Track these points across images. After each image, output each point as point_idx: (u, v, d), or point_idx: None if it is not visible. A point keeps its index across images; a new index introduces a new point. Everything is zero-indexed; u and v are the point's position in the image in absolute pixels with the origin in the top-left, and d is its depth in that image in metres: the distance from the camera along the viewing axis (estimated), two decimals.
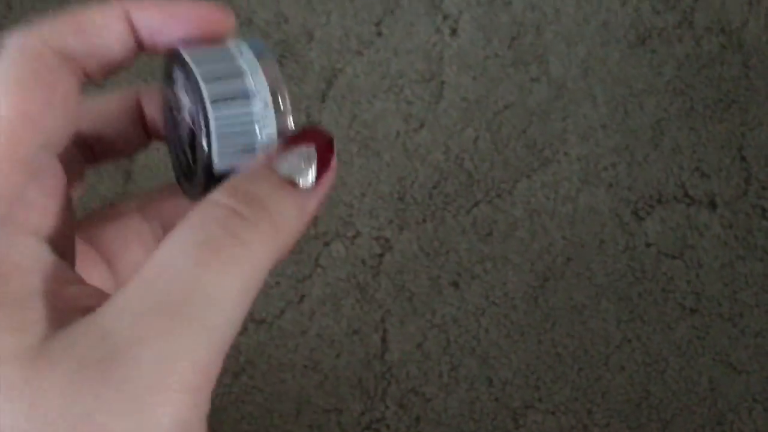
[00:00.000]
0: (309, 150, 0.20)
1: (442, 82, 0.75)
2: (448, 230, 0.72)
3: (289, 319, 0.70)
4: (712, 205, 0.69)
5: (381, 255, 0.73)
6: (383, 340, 0.69)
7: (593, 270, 0.68)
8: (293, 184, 0.19)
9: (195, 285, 0.17)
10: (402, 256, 0.72)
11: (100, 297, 0.18)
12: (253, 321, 0.70)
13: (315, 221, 0.75)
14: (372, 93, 0.77)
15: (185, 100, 0.21)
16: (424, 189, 0.73)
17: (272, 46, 0.81)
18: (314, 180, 0.20)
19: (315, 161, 0.20)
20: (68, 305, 0.17)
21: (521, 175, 0.71)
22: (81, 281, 0.19)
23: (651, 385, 0.66)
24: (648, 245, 0.68)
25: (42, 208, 0.19)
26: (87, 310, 0.17)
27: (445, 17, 0.76)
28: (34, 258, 0.18)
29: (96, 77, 0.20)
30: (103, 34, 0.20)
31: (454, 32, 0.76)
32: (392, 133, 0.76)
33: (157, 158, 0.78)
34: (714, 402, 0.66)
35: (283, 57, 0.80)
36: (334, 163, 0.20)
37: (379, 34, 0.78)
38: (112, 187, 0.78)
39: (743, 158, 0.69)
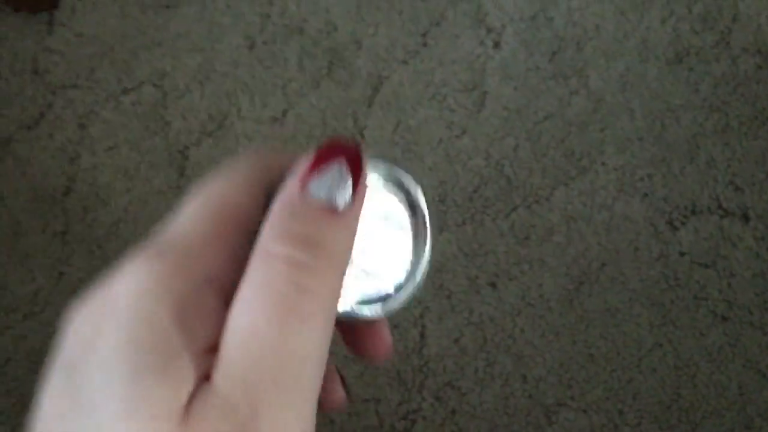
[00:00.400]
0: (341, 167, 0.20)
1: (485, 92, 0.79)
2: (487, 233, 0.75)
3: None
4: (745, 218, 0.71)
5: None
6: (422, 335, 0.72)
7: (627, 276, 0.71)
8: (333, 209, 0.20)
9: (286, 351, 0.18)
10: (442, 256, 0.75)
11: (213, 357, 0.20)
12: None
13: None
14: (416, 100, 0.81)
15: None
16: (465, 193, 0.77)
17: (322, 54, 0.85)
18: (351, 195, 0.20)
19: (349, 176, 0.20)
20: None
21: (559, 183, 0.75)
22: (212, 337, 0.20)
23: (682, 388, 0.69)
24: (682, 254, 0.71)
25: (228, 268, 0.20)
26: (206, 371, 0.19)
27: (489, 30, 0.80)
28: (214, 313, 0.20)
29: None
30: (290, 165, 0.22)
31: (497, 45, 0.79)
32: (435, 139, 0.79)
33: (209, 155, 0.82)
34: (743, 407, 0.68)
35: (332, 64, 0.84)
36: (366, 171, 0.20)
37: (425, 44, 0.82)
38: (166, 182, 0.82)
39: None
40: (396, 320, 0.74)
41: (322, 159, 0.20)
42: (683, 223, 0.74)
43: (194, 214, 0.21)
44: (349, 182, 0.20)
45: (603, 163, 0.76)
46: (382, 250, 0.22)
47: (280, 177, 0.21)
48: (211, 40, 0.87)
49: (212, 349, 0.19)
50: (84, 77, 0.88)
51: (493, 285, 0.75)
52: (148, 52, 0.88)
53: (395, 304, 0.22)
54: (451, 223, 0.77)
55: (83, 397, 0.18)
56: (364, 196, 0.20)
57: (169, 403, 0.18)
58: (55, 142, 0.86)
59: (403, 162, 0.81)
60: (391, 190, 0.23)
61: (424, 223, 0.22)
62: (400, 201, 0.23)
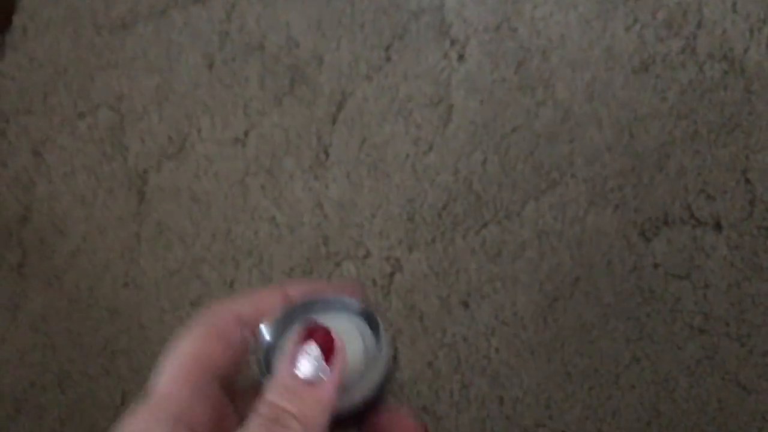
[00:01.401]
0: (313, 348, 0.27)
1: (451, 106, 0.78)
2: (458, 251, 0.74)
3: None
4: (718, 227, 0.71)
5: (391, 275, 0.75)
6: (394, 358, 0.70)
7: (601, 290, 0.71)
8: (312, 384, 0.27)
9: None
10: (412, 276, 0.74)
11: None
12: None
13: (326, 241, 0.77)
14: (381, 116, 0.80)
15: (361, 344, 0.29)
16: (434, 210, 0.76)
17: (283, 71, 0.84)
18: (327, 369, 0.27)
19: (322, 355, 0.27)
20: None
21: (529, 197, 0.74)
22: None
23: (661, 404, 0.68)
24: (655, 266, 0.71)
25: (203, 414, 0.28)
26: None
27: (453, 43, 0.80)
28: None
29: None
30: (268, 309, 0.30)
31: (461, 57, 0.79)
32: (401, 155, 0.78)
33: (169, 179, 0.81)
34: (724, 422, 0.67)
35: (294, 81, 0.83)
36: (338, 347, 0.27)
37: (389, 59, 0.81)
38: (125, 207, 0.80)
39: (748, 181, 0.72)
40: None
41: (300, 341, 0.27)
42: (656, 234, 0.73)
43: (169, 366, 0.28)
44: (325, 356, 0.27)
45: (573, 175, 0.76)
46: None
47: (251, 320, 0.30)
48: (169, 60, 0.86)
49: None
50: (38, 102, 0.86)
51: (465, 304, 0.74)
52: (104, 74, 0.86)
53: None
54: (420, 241, 0.76)
55: None
56: (339, 370, 0.27)
57: None
58: (9, 170, 0.84)
59: (370, 180, 0.80)
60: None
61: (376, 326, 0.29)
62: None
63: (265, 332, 0.29)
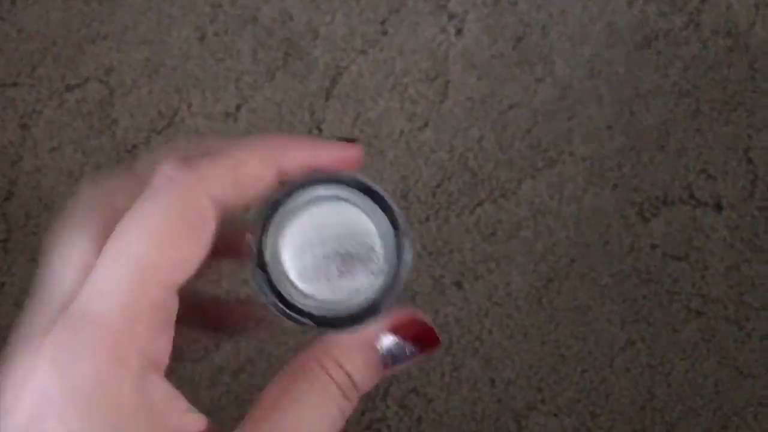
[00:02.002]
0: (413, 350, 0.24)
1: (447, 82, 0.77)
2: (452, 230, 0.74)
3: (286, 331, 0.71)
4: (718, 207, 0.70)
5: None
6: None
7: (598, 271, 0.70)
8: (387, 364, 0.24)
9: None
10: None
11: (204, 424, 0.22)
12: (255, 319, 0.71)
13: None
14: (376, 92, 0.79)
15: (365, 226, 0.24)
16: (428, 188, 0.75)
17: (277, 44, 0.83)
18: (404, 362, 0.24)
19: (415, 357, 0.24)
20: None
21: (526, 175, 0.73)
22: (189, 408, 0.22)
23: (656, 387, 0.68)
24: (653, 247, 0.70)
25: (165, 345, 0.22)
26: None
27: (451, 17, 0.79)
28: (166, 396, 0.22)
29: (229, 215, 0.23)
30: (257, 185, 0.23)
31: (459, 32, 0.78)
32: (396, 131, 0.78)
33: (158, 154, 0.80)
34: (719, 405, 0.67)
35: (287, 55, 0.82)
36: (438, 347, 0.25)
37: (384, 33, 0.80)
38: None
39: (749, 160, 0.71)
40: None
41: (403, 331, 0.24)
42: (654, 215, 0.72)
43: (110, 278, 0.21)
44: (411, 359, 0.24)
45: (571, 154, 0.75)
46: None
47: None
48: (160, 32, 0.85)
49: None
50: (25, 75, 0.85)
51: (458, 284, 0.73)
52: (94, 47, 0.85)
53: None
54: (413, 219, 0.76)
55: None
56: (411, 364, 0.24)
57: None
58: None
59: (363, 157, 0.79)
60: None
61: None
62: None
63: (257, 230, 0.23)
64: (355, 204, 0.24)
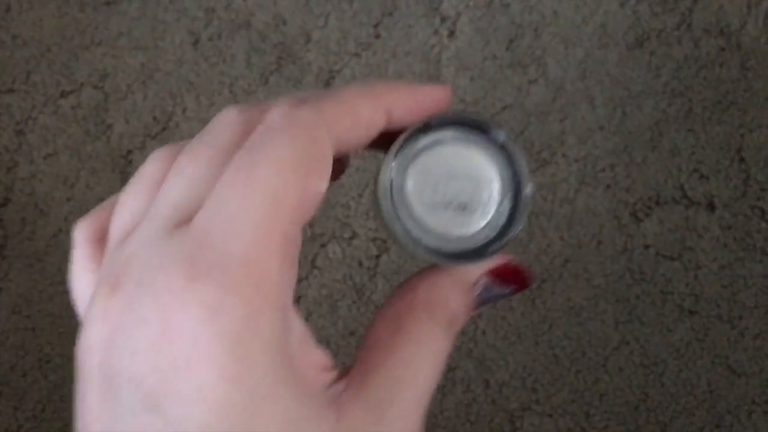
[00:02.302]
0: (508, 291, 0.25)
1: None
2: None
3: None
4: (711, 207, 0.71)
5: (377, 256, 0.75)
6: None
7: (591, 271, 0.70)
8: (478, 306, 0.25)
9: (426, 396, 0.23)
10: (398, 257, 0.74)
11: (327, 361, 0.23)
12: None
13: (312, 222, 0.77)
14: None
15: (487, 169, 0.25)
16: None
17: (270, 49, 0.83)
18: (496, 301, 0.25)
19: (506, 296, 0.25)
20: (318, 376, 0.22)
21: None
22: (317, 343, 0.23)
23: (649, 387, 0.68)
24: (646, 247, 0.71)
25: (293, 280, 0.22)
26: (327, 375, 0.22)
27: (444, 19, 0.79)
28: (301, 335, 0.22)
29: (340, 155, 0.23)
30: (370, 128, 0.23)
31: (452, 34, 0.78)
32: None
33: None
34: (713, 405, 0.67)
35: (281, 59, 0.83)
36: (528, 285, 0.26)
37: (377, 36, 0.80)
38: (108, 189, 0.80)
39: (742, 160, 0.72)
40: (352, 326, 0.73)
41: (502, 274, 0.25)
42: (647, 215, 0.73)
43: (245, 210, 0.20)
44: (503, 298, 0.25)
45: (564, 155, 0.75)
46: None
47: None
48: (154, 38, 0.86)
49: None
50: (20, 81, 0.86)
51: None
52: (88, 53, 0.86)
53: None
54: None
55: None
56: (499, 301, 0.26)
57: None
58: None
59: (357, 160, 0.79)
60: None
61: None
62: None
63: (391, 169, 0.24)
64: (482, 149, 0.25)
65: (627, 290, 0.71)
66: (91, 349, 0.20)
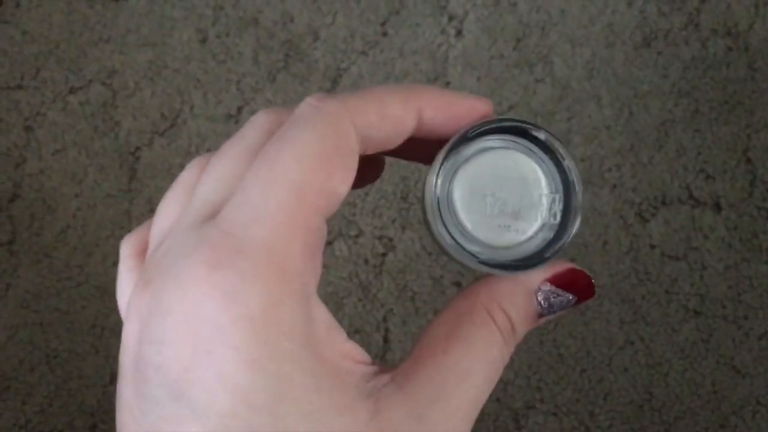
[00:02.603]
0: (571, 301, 0.24)
1: (447, 83, 0.78)
2: None
3: None
4: (717, 207, 0.71)
5: (384, 254, 0.75)
6: (385, 339, 0.71)
7: (596, 271, 0.71)
8: (540, 315, 0.24)
9: (478, 411, 0.23)
10: (404, 255, 0.74)
11: (362, 355, 0.22)
12: None
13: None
14: None
15: (536, 175, 0.25)
16: None
17: (278, 46, 0.84)
18: (559, 311, 0.24)
19: (569, 307, 0.24)
20: (351, 368, 0.22)
21: None
22: (347, 337, 0.23)
23: (654, 387, 0.68)
24: (652, 247, 0.71)
25: (317, 270, 0.22)
26: (363, 368, 0.22)
27: (451, 18, 0.79)
28: (327, 325, 0.22)
29: (368, 153, 0.23)
30: (398, 126, 0.23)
31: (459, 33, 0.79)
32: None
33: (161, 156, 0.81)
34: (717, 405, 0.68)
35: (288, 56, 0.83)
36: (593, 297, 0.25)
37: (385, 34, 0.81)
38: (116, 185, 0.81)
39: (748, 160, 0.72)
40: (357, 324, 0.74)
41: (564, 280, 0.24)
42: (653, 215, 0.73)
43: (270, 199, 0.20)
44: (566, 308, 0.24)
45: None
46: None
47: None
48: (162, 35, 0.86)
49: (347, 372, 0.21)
50: (29, 77, 0.87)
51: (458, 285, 0.74)
52: (96, 49, 0.87)
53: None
54: (414, 221, 0.77)
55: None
56: (562, 314, 0.24)
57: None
58: None
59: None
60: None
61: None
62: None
63: (435, 178, 0.24)
64: (526, 153, 0.25)
65: (632, 290, 0.72)
66: (126, 346, 0.21)
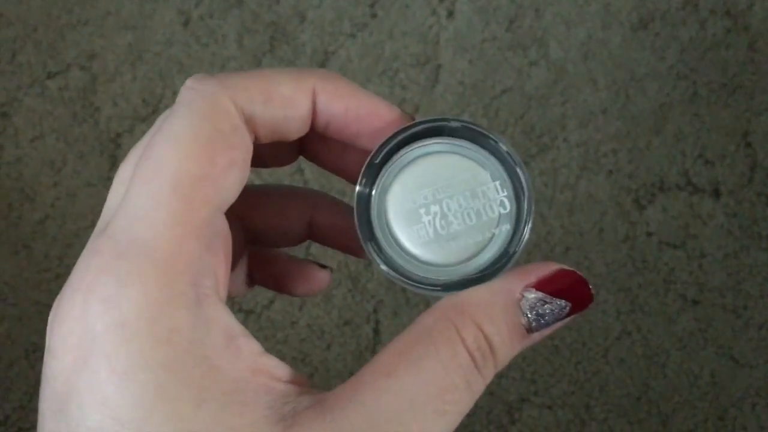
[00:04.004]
0: (564, 309, 0.20)
1: (438, 66, 0.77)
2: None
3: (279, 310, 0.72)
4: (716, 194, 0.70)
5: None
6: (375, 331, 0.70)
7: (592, 260, 0.70)
8: (528, 330, 0.20)
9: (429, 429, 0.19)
10: None
11: (283, 371, 0.20)
12: (242, 311, 0.71)
13: None
14: (366, 77, 0.79)
15: (479, 177, 0.22)
16: None
17: (263, 28, 0.82)
18: (551, 324, 0.20)
19: (564, 317, 0.20)
20: (265, 384, 0.19)
21: None
22: (260, 350, 0.20)
23: (651, 378, 0.68)
24: (649, 234, 0.70)
25: (220, 272, 0.20)
26: (289, 387, 0.19)
27: None
28: (228, 333, 0.19)
29: (263, 141, 0.22)
30: (289, 107, 0.21)
31: (450, 14, 0.77)
32: None
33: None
34: (716, 396, 0.67)
35: (274, 39, 0.82)
36: (586, 309, 0.21)
37: (374, 15, 0.79)
38: (96, 173, 0.80)
39: (748, 145, 0.71)
40: (347, 316, 0.73)
41: (555, 283, 0.20)
42: (650, 201, 0.72)
43: (148, 198, 0.19)
44: (558, 320, 0.20)
45: (565, 140, 0.74)
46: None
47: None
48: (143, 17, 0.84)
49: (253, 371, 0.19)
50: (5, 62, 0.85)
51: None
52: (75, 32, 0.85)
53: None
54: None
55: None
56: (558, 329, 0.21)
57: None
58: None
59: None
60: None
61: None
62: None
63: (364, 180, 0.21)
64: (464, 154, 0.22)
65: (629, 279, 0.71)
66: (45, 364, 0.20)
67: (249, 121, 0.21)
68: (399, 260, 0.21)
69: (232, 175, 0.20)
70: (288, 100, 0.21)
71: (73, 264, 0.21)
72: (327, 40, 0.81)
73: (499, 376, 0.71)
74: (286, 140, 0.22)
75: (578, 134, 0.74)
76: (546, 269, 0.21)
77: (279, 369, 0.20)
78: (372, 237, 0.21)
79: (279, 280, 0.29)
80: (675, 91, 0.74)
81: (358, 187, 0.22)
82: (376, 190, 0.22)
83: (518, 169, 0.22)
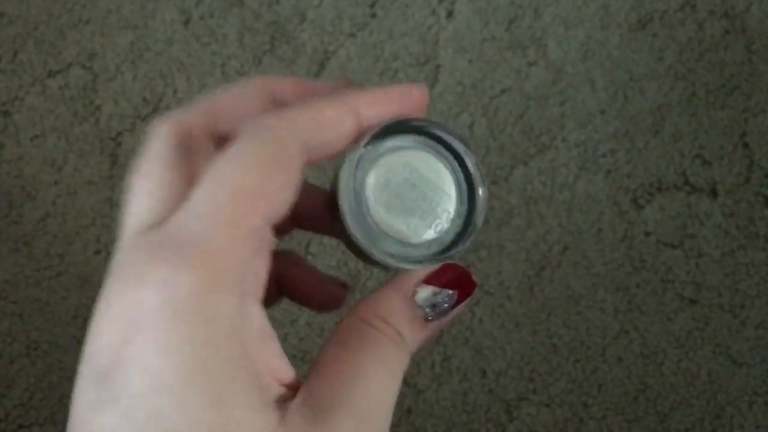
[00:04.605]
0: (452, 297, 0.25)
1: (438, 66, 0.77)
2: None
3: (279, 308, 0.72)
4: (714, 193, 0.70)
5: None
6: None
7: (590, 259, 0.70)
8: (426, 319, 0.24)
9: (386, 410, 0.23)
10: None
11: (288, 376, 0.23)
12: None
13: None
14: (365, 76, 0.79)
15: (440, 172, 0.26)
16: None
17: (263, 28, 0.82)
18: (446, 315, 0.25)
19: (454, 305, 0.25)
20: (270, 384, 0.22)
21: (517, 162, 0.73)
22: (281, 352, 0.23)
23: (648, 377, 0.68)
24: (647, 234, 0.70)
25: (262, 276, 0.23)
26: (284, 390, 0.22)
27: None
28: (262, 330, 0.22)
29: (312, 162, 0.24)
30: (336, 130, 0.24)
31: (450, 14, 0.78)
32: None
33: (142, 141, 0.80)
34: (713, 395, 0.67)
35: (274, 39, 0.82)
36: (472, 295, 0.25)
37: (373, 15, 0.80)
38: (97, 171, 0.80)
39: (746, 145, 0.71)
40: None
41: (438, 280, 0.24)
42: (648, 201, 0.73)
43: (209, 203, 0.21)
44: (452, 306, 0.25)
45: (563, 139, 0.75)
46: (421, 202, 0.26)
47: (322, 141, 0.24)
48: (144, 16, 0.85)
49: (274, 375, 0.22)
50: (7, 60, 0.85)
51: None
52: (76, 31, 0.85)
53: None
54: None
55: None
56: (455, 316, 0.25)
57: None
58: None
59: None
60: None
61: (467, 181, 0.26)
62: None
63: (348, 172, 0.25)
64: (429, 151, 0.26)
65: (627, 278, 0.71)
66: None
67: (303, 147, 0.23)
68: (366, 226, 0.25)
69: (284, 196, 0.23)
70: (335, 123, 0.24)
71: (74, 261, 0.22)
72: (327, 40, 0.81)
73: (497, 374, 0.71)
74: (331, 155, 0.25)
75: (577, 134, 0.75)
76: (434, 266, 0.25)
77: (286, 373, 0.23)
78: (348, 206, 0.25)
79: (302, 293, 0.32)
80: (673, 92, 0.74)
81: (352, 163, 0.26)
82: (359, 170, 0.26)
83: (476, 182, 0.26)
